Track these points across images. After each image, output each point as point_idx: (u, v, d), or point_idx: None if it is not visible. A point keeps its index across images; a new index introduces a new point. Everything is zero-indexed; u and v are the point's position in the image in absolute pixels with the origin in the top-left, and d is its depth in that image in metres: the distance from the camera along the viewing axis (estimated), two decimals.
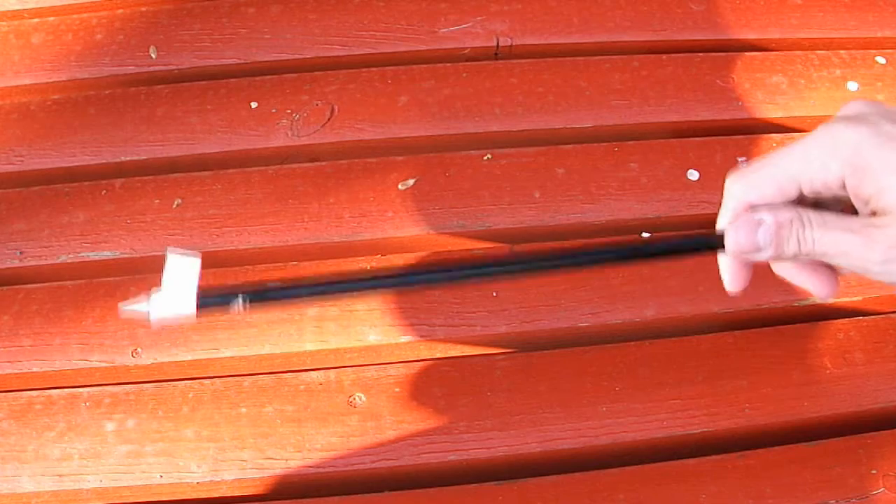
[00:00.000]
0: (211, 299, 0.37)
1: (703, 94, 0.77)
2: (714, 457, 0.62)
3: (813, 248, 0.37)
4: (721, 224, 0.39)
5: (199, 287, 0.37)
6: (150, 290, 0.37)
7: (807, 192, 0.37)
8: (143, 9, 0.82)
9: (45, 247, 0.69)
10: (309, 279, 0.39)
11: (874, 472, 0.60)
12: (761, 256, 0.38)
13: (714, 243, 0.39)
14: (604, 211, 0.71)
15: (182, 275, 0.37)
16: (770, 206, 0.37)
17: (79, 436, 0.62)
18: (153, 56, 0.79)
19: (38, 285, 0.68)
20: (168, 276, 0.37)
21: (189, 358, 0.65)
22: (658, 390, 0.63)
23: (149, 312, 0.37)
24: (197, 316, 0.37)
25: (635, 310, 0.67)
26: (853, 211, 0.37)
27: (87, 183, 0.72)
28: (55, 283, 0.68)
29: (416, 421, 0.62)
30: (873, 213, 0.36)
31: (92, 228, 0.70)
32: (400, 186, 0.72)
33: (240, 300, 0.37)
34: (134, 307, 0.37)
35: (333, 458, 0.61)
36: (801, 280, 0.41)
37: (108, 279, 0.68)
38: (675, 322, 0.67)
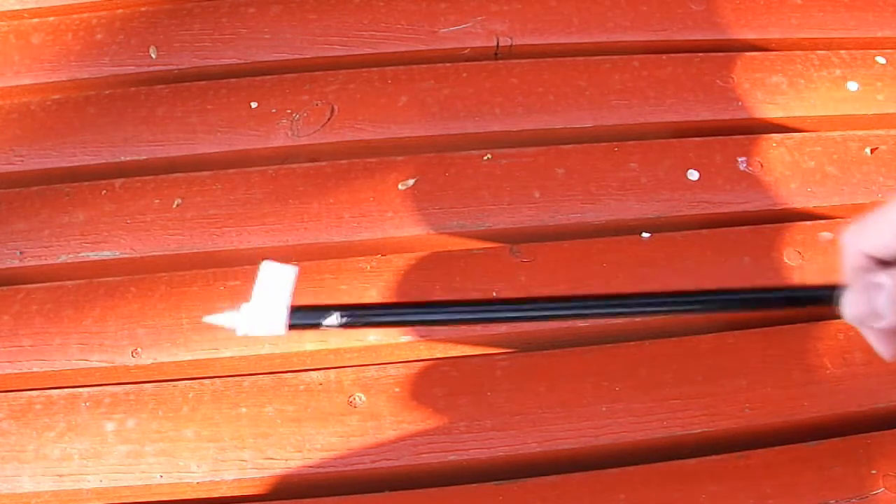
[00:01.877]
0: (303, 315, 0.34)
1: (703, 94, 0.77)
2: (714, 457, 0.61)
3: None
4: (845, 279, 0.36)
5: (292, 303, 0.34)
6: (237, 301, 0.34)
7: None
8: (143, 9, 0.82)
9: (45, 247, 0.69)
10: (407, 305, 0.37)
11: (874, 472, 0.60)
12: (881, 324, 0.35)
13: (828, 299, 0.36)
14: (604, 211, 0.71)
15: (275, 287, 0.34)
16: (890, 271, 0.34)
17: (79, 436, 0.62)
18: (153, 56, 0.79)
19: (38, 285, 0.68)
20: (260, 287, 0.33)
21: (189, 358, 0.65)
22: (658, 390, 0.63)
23: (235, 329, 0.34)
24: (286, 332, 0.34)
25: None
26: None
27: (87, 183, 0.72)
28: (55, 283, 0.68)
29: (416, 421, 0.62)
30: None
31: (92, 228, 0.70)
32: (400, 186, 0.72)
33: (335, 319, 0.35)
34: (220, 319, 0.34)
35: (333, 458, 0.61)
36: (877, 341, 0.37)
37: (108, 279, 0.68)
38: (675, 322, 0.67)
